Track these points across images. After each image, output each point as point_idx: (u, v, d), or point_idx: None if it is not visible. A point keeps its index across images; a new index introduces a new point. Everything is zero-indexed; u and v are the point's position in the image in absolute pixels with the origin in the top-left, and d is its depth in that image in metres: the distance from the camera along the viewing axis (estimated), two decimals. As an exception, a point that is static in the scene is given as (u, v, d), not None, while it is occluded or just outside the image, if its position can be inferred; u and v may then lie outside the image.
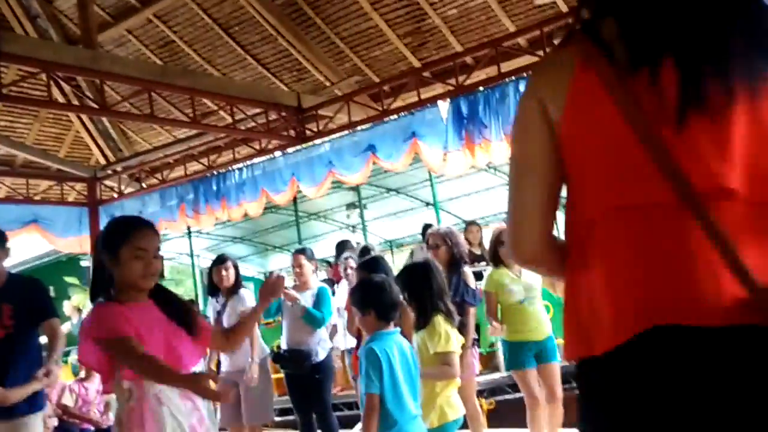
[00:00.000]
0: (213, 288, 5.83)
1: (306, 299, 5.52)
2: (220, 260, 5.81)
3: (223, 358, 5.71)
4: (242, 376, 5.48)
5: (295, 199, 8.98)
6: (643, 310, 1.06)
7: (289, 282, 6.25)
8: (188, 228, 9.84)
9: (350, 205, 12.37)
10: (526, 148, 1.26)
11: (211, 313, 5.93)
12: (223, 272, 5.66)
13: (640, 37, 1.14)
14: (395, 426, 2.91)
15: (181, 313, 2.53)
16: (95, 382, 6.74)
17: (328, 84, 7.99)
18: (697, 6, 1.14)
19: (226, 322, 5.59)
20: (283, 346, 5.65)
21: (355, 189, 11.35)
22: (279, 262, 17.59)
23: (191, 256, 12.91)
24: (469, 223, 8.40)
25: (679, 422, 1.02)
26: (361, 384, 2.98)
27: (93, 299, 2.53)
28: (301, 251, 5.87)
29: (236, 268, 5.82)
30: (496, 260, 4.99)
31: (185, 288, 23.97)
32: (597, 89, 1.13)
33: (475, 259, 7.13)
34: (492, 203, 12.76)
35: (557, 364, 4.81)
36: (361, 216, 12.13)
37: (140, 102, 7.77)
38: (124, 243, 2.40)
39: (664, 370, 1.02)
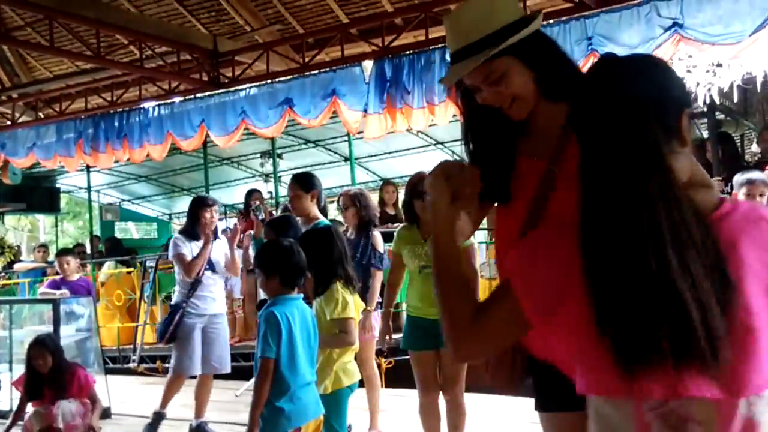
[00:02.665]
0: (195, 230, 5.53)
1: None
2: (210, 202, 5.62)
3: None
4: (209, 320, 5.53)
5: (205, 142, 9.00)
6: None
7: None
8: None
9: (265, 154, 12.39)
10: None
11: None
12: (208, 215, 5.48)
13: None
14: (288, 391, 3.09)
15: None
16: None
17: (248, 29, 7.98)
18: None
19: (218, 266, 5.60)
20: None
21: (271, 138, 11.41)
22: (185, 205, 17.38)
23: (88, 191, 12.73)
24: (385, 182, 8.53)
25: None
26: (258, 347, 3.12)
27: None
28: (298, 178, 4.82)
29: None
30: (411, 216, 4.30)
31: (84, 221, 23.52)
32: None
33: (388, 219, 7.34)
34: (412, 164, 13.03)
35: None
36: (274, 166, 12.21)
37: (42, 28, 7.62)
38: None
39: None
